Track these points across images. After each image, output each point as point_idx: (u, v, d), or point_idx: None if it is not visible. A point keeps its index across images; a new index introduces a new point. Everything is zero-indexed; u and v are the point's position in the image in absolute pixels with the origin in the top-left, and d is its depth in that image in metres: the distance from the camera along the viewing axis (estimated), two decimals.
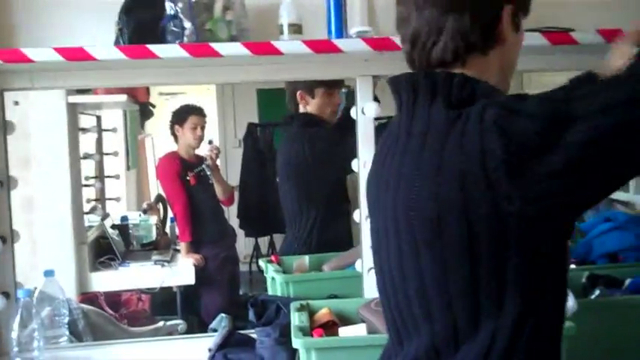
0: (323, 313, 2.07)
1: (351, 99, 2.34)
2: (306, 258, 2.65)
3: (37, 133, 2.89)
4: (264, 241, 5.92)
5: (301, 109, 3.03)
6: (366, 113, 2.20)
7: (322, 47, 1.98)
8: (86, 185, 3.71)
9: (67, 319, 2.19)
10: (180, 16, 2.00)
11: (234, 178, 4.15)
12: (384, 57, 2.06)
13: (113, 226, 4.09)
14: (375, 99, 2.24)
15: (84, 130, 3.72)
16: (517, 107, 1.09)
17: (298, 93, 2.99)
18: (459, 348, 1.14)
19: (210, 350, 2.08)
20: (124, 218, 4.34)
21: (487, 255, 1.09)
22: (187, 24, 1.99)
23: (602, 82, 1.21)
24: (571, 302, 1.80)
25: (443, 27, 1.19)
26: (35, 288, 2.11)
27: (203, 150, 4.15)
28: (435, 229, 1.11)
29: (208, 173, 4.07)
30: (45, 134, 2.95)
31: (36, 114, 2.84)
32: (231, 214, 4.16)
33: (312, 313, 2.09)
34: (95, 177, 4.18)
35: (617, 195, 4.72)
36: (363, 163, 2.21)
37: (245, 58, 2.00)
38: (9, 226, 2.17)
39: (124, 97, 3.68)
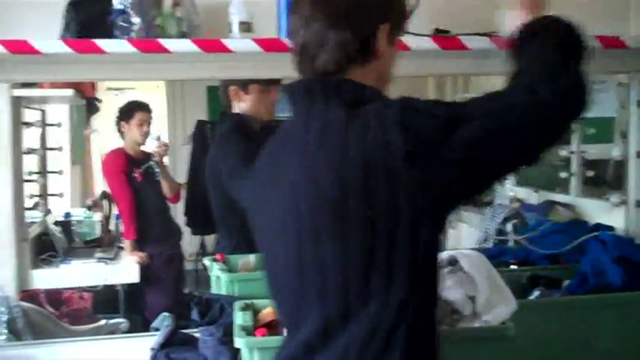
0: (267, 313, 2.06)
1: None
2: (252, 257, 2.64)
3: None
4: (210, 240, 5.88)
5: (234, 107, 2.81)
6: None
7: (272, 46, 1.97)
8: (29, 180, 3.63)
9: (5, 318, 2.14)
10: (129, 11, 1.97)
11: (181, 175, 4.11)
12: None
13: (56, 223, 4.01)
14: None
15: (27, 124, 3.64)
16: (419, 106, 1.23)
17: (232, 89, 2.76)
18: (347, 327, 1.22)
19: (152, 350, 2.06)
20: (68, 215, 4.27)
21: (384, 239, 1.19)
22: (136, 19, 1.97)
23: (501, 90, 1.33)
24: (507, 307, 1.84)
25: (327, 40, 1.30)
26: None
27: (151, 146, 4.10)
28: (338, 214, 1.20)
29: (156, 170, 4.03)
30: None
31: None
32: (178, 211, 4.12)
33: (256, 313, 2.08)
34: (38, 172, 4.10)
35: (559, 198, 4.85)
36: None
37: (195, 55, 1.99)
38: None
39: (70, 92, 3.61)
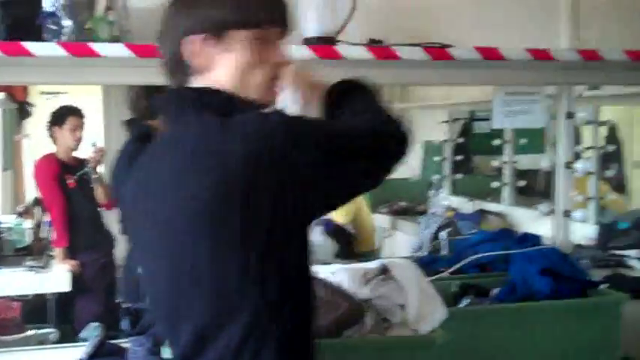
0: None
1: None
2: None
3: None
4: None
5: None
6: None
7: None
8: None
9: None
10: (60, 13, 1.93)
11: None
12: None
13: None
14: None
15: None
16: (301, 123, 1.26)
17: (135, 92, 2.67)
18: (220, 337, 1.23)
19: None
20: None
21: (256, 249, 1.21)
22: (67, 22, 1.92)
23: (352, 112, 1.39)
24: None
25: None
26: None
27: (87, 152, 4.02)
28: (212, 219, 1.20)
29: (92, 177, 3.95)
30: None
31: None
32: (112, 219, 4.04)
33: None
34: None
35: (492, 207, 4.95)
36: None
37: (127, 60, 1.95)
38: None
39: (0, 95, 3.51)
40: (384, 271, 1.98)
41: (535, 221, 3.91)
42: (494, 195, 5.06)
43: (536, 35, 2.40)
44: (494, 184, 4.99)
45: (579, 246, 3.73)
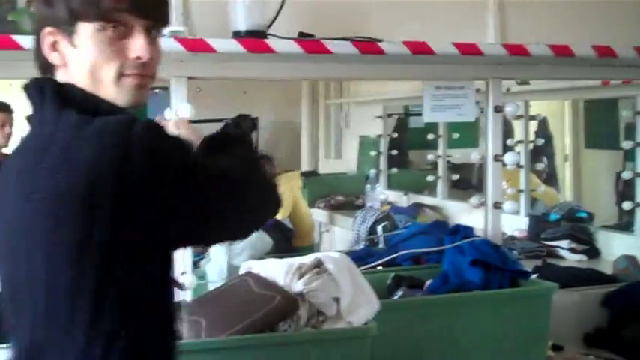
0: None
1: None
2: None
3: None
4: None
5: None
6: (180, 115, 2.17)
7: None
8: None
9: None
10: None
11: None
12: (199, 58, 2.04)
13: None
14: None
15: None
16: (152, 135, 1.12)
17: None
18: (54, 352, 1.12)
19: None
20: None
21: (92, 268, 1.09)
22: None
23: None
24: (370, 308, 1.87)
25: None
26: None
27: None
28: (48, 224, 1.09)
29: None
30: None
31: None
32: None
33: None
34: None
35: (427, 200, 5.02)
36: None
37: None
38: None
39: None
40: (318, 264, 1.98)
41: (469, 214, 3.98)
42: (431, 189, 5.14)
43: (464, 30, 2.44)
44: (430, 178, 5.06)
45: (512, 237, 3.82)
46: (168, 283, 1.22)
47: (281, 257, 2.10)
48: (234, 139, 1.43)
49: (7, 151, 3.89)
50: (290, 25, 2.11)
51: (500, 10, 2.52)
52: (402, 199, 5.21)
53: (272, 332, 1.81)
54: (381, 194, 5.05)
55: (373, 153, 5.75)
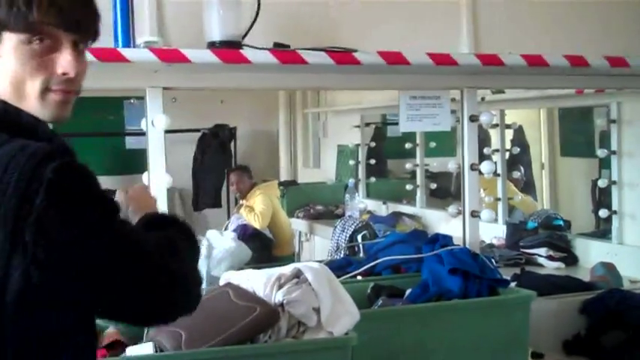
0: (109, 333, 1.99)
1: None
2: None
3: None
4: None
5: None
6: (155, 126, 2.16)
7: (108, 56, 1.90)
8: None
9: None
10: None
11: None
12: (174, 68, 2.03)
13: None
14: None
15: None
16: (69, 182, 1.03)
17: None
18: None
19: None
20: None
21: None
22: None
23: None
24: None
25: None
26: None
27: None
28: None
29: None
30: None
31: None
32: None
33: (98, 333, 1.99)
34: None
35: (406, 209, 5.03)
36: (153, 177, 2.17)
37: None
38: None
39: None
40: (297, 275, 1.98)
41: (447, 222, 3.99)
42: (409, 197, 5.15)
43: (438, 40, 2.45)
44: (408, 187, 5.08)
45: (490, 245, 3.84)
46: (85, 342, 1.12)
47: (261, 267, 2.09)
48: (181, 230, 1.28)
49: None
50: (265, 36, 2.11)
51: (474, 20, 2.54)
52: (381, 208, 5.22)
53: (252, 344, 1.80)
54: (360, 203, 5.06)
55: (352, 162, 5.76)
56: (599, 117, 4.11)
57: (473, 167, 2.53)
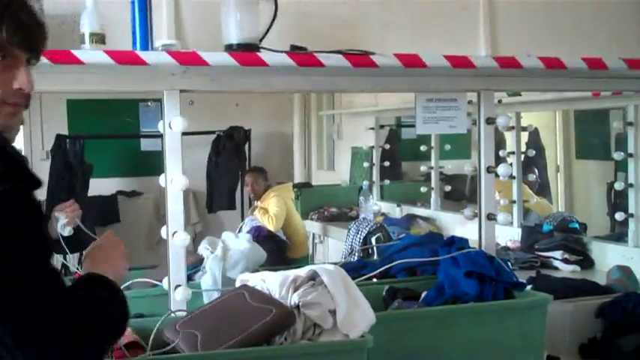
0: (125, 334, 2.00)
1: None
2: None
3: None
4: (73, 259, 5.64)
5: None
6: (173, 128, 2.17)
7: (126, 58, 1.92)
8: None
9: None
10: None
11: (41, 191, 3.91)
12: (192, 71, 2.04)
13: None
14: None
15: None
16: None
17: None
18: None
19: None
20: None
21: None
22: None
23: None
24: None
25: None
26: None
27: None
28: None
29: None
30: None
31: None
32: None
33: None
34: None
35: (420, 211, 5.03)
36: (170, 179, 2.17)
37: (45, 67, 1.89)
38: None
39: None
40: (313, 277, 1.98)
41: (463, 225, 3.99)
42: (424, 200, 5.15)
43: (456, 43, 2.45)
44: (423, 189, 5.08)
45: (505, 248, 3.83)
46: None
47: (276, 269, 2.10)
48: (115, 300, 1.29)
49: None
50: (282, 38, 2.12)
51: (492, 22, 2.54)
52: (395, 211, 5.22)
53: (268, 345, 1.80)
54: (374, 206, 5.06)
55: (366, 164, 5.76)
56: (616, 119, 4.09)
57: (489, 170, 2.53)
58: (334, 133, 6.62)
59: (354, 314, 1.90)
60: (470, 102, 2.55)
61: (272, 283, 1.96)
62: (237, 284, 2.05)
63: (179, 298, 2.15)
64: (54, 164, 5.56)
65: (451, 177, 5.13)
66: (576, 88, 2.89)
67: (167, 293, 2.24)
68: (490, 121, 2.51)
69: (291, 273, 1.98)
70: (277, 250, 4.96)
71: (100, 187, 6.01)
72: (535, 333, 2.24)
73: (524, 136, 4.42)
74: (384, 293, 2.38)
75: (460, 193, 5.16)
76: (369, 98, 5.53)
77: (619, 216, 3.45)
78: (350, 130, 6.35)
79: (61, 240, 2.47)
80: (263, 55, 2.04)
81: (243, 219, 5.60)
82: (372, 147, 5.70)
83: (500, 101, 3.57)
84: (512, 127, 4.04)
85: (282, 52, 2.07)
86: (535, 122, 4.68)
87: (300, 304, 1.86)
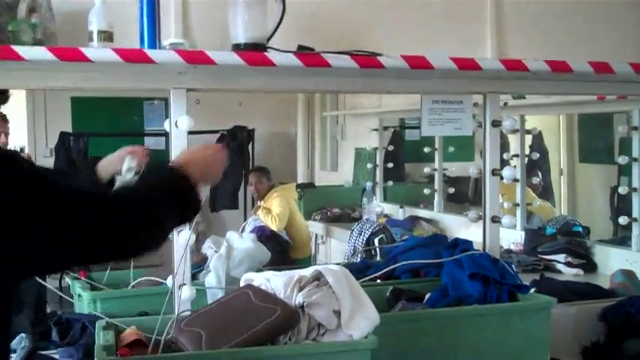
0: (129, 332, 2.00)
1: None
2: None
3: None
4: None
5: None
6: (179, 126, 2.17)
7: (134, 57, 1.92)
8: None
9: None
10: None
11: None
12: (199, 70, 2.04)
13: None
14: None
15: None
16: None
17: None
18: None
19: None
20: None
21: None
22: None
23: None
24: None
25: None
26: None
27: None
28: None
29: None
30: None
31: None
32: None
33: (119, 332, 2.01)
34: None
35: (423, 213, 5.03)
36: None
37: (51, 64, 1.90)
38: None
39: None
40: (317, 277, 1.98)
41: (466, 227, 3.99)
42: (427, 202, 5.15)
43: (463, 45, 2.45)
44: (426, 191, 5.08)
45: (508, 251, 3.83)
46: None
47: (279, 269, 2.10)
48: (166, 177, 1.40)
49: None
50: (289, 39, 2.12)
51: (498, 25, 2.54)
52: (398, 212, 5.22)
53: (273, 345, 1.80)
54: (377, 207, 5.06)
55: (369, 165, 5.77)
56: (620, 123, 4.09)
57: (494, 172, 2.53)
58: (338, 134, 6.62)
59: (359, 315, 1.90)
60: (475, 104, 2.55)
61: (276, 282, 1.96)
62: (242, 283, 2.05)
63: (184, 296, 2.15)
64: (57, 161, 5.57)
65: (454, 179, 5.13)
66: (582, 91, 2.89)
67: (171, 292, 2.24)
68: (496, 123, 2.51)
69: (296, 273, 1.98)
70: (280, 250, 4.96)
71: None
72: (539, 336, 2.23)
73: (528, 139, 4.42)
74: (388, 294, 2.38)
75: (463, 195, 5.16)
76: (372, 99, 5.54)
77: (622, 220, 3.45)
78: (354, 131, 6.36)
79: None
80: (270, 54, 2.04)
81: (246, 219, 5.61)
82: (376, 148, 5.71)
83: (505, 104, 3.57)
84: (517, 130, 4.04)
85: (289, 52, 2.07)
86: (539, 125, 4.68)
87: (304, 304, 1.86)
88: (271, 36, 2.11)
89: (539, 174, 4.72)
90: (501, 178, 2.57)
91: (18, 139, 4.26)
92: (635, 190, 3.39)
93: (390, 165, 5.69)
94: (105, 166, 1.88)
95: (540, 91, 2.81)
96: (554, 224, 4.09)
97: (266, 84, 2.25)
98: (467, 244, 2.52)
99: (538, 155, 4.43)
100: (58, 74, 2.05)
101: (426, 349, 2.12)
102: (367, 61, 2.11)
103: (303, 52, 2.08)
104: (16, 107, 4.48)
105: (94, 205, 1.20)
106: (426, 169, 5.13)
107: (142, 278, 2.56)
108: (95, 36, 1.97)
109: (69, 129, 5.90)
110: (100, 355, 1.76)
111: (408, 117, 5.71)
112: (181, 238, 2.17)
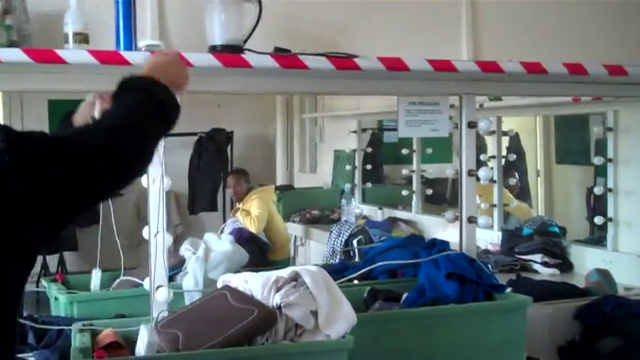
0: (106, 334, 1.99)
1: None
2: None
3: None
4: (53, 259, 5.61)
5: None
6: None
7: (109, 58, 1.91)
8: None
9: None
10: None
11: None
12: None
13: None
14: None
15: None
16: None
17: None
18: None
19: None
20: None
21: None
22: None
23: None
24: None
25: None
26: None
27: None
28: None
29: None
30: None
31: None
32: None
33: (95, 334, 2.00)
34: None
35: (401, 214, 5.05)
36: (152, 180, 2.17)
37: (28, 66, 1.89)
38: None
39: None
40: (295, 278, 1.98)
41: (444, 228, 4.01)
42: (405, 203, 5.17)
43: (438, 47, 2.47)
44: (404, 193, 5.10)
45: (486, 251, 3.86)
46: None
47: (257, 271, 2.10)
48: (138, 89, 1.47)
49: None
50: (266, 40, 2.12)
51: (474, 27, 2.56)
52: (376, 214, 5.24)
53: (250, 346, 1.81)
54: (356, 208, 5.08)
55: (348, 167, 5.78)
56: (596, 125, 4.14)
57: (470, 173, 2.55)
58: (317, 136, 6.63)
59: (336, 315, 1.91)
60: (452, 106, 2.57)
61: (254, 283, 1.96)
62: (219, 285, 2.05)
63: (161, 298, 2.14)
64: None
65: (432, 180, 5.16)
66: (557, 93, 2.92)
67: (148, 294, 2.23)
68: (472, 124, 2.53)
69: (273, 274, 1.98)
70: (259, 252, 4.95)
71: None
72: (515, 335, 2.26)
73: (505, 141, 4.46)
74: (365, 295, 2.39)
75: (441, 196, 5.19)
76: (351, 102, 5.55)
77: (598, 220, 3.49)
78: (332, 133, 6.37)
79: None
80: (247, 56, 2.05)
81: (224, 221, 5.60)
82: (355, 150, 5.72)
83: (481, 105, 3.60)
84: (494, 132, 4.07)
85: (266, 53, 2.07)
86: (516, 127, 4.72)
87: (281, 304, 1.87)
88: (248, 38, 2.11)
89: (517, 175, 4.75)
90: (478, 179, 2.60)
91: None
92: (610, 190, 3.43)
93: (369, 167, 5.71)
94: (79, 117, 1.88)
95: (516, 92, 2.84)
96: (531, 225, 4.12)
97: (243, 86, 2.25)
98: (444, 245, 2.53)
99: (515, 156, 4.47)
100: (33, 76, 2.04)
101: (404, 349, 2.14)
102: (343, 62, 2.12)
103: (279, 53, 2.08)
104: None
105: (88, 138, 1.31)
106: (405, 171, 5.15)
107: (122, 278, 2.55)
108: (71, 38, 1.96)
109: (46, 131, 5.85)
110: (77, 358, 1.76)
111: (386, 119, 5.73)
112: (159, 240, 2.16)
